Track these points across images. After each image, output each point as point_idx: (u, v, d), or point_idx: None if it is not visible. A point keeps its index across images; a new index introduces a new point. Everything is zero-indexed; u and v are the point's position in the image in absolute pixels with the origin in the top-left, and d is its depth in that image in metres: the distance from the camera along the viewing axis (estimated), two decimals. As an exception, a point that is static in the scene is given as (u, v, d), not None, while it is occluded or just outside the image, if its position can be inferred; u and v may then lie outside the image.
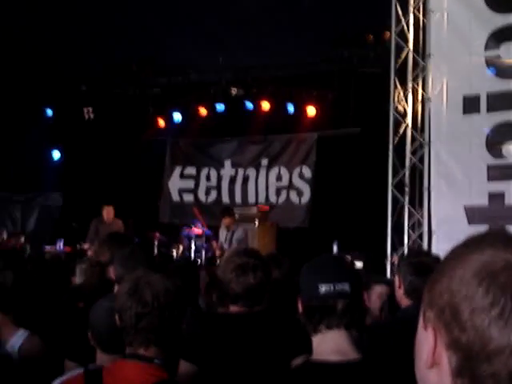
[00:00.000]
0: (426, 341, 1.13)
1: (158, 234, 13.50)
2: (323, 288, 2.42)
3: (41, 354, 3.81)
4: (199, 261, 12.28)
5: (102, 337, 3.10)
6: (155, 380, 2.62)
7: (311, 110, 14.77)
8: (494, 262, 1.07)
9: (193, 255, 12.74)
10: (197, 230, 13.15)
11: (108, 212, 12.79)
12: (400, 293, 3.72)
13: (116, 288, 3.85)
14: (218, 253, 12.09)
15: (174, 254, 12.96)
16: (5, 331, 3.85)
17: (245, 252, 3.72)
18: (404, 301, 3.70)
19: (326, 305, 2.43)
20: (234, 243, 11.86)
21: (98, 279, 4.65)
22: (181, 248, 13.12)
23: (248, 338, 3.37)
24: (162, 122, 16.48)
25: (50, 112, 17.15)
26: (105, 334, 3.06)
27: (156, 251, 12.79)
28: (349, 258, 10.78)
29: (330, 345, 2.41)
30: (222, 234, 12.35)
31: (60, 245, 13.01)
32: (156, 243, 13.28)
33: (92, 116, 16.62)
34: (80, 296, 4.68)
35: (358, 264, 10.75)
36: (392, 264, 8.64)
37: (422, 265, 3.61)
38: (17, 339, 3.81)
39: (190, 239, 13.05)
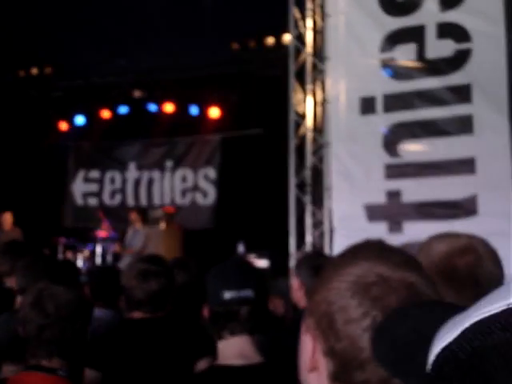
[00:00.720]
0: (307, 346, 1.20)
1: (62, 239, 13.29)
2: (227, 294, 2.47)
3: None
4: (105, 264, 12.21)
5: (4, 347, 3.09)
6: (59, 391, 2.64)
7: (215, 112, 14.84)
8: (366, 275, 1.15)
9: (99, 259, 12.65)
10: (102, 233, 13.05)
11: (5, 219, 12.36)
12: (299, 294, 3.84)
13: (18, 298, 3.83)
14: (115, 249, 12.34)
15: (80, 258, 12.81)
16: None
17: (147, 258, 3.77)
18: (303, 302, 3.82)
19: (230, 311, 2.48)
20: (132, 244, 11.94)
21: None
22: (86, 252, 12.97)
23: (151, 344, 3.42)
24: (64, 126, 16.18)
25: None
26: (7, 344, 3.05)
27: (61, 257, 12.60)
28: (254, 256, 10.99)
29: (233, 350, 2.47)
30: (129, 234, 12.45)
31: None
32: (61, 249, 13.10)
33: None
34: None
35: (263, 262, 10.94)
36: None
37: (322, 267, 3.72)
38: None
39: (95, 243, 12.94)
